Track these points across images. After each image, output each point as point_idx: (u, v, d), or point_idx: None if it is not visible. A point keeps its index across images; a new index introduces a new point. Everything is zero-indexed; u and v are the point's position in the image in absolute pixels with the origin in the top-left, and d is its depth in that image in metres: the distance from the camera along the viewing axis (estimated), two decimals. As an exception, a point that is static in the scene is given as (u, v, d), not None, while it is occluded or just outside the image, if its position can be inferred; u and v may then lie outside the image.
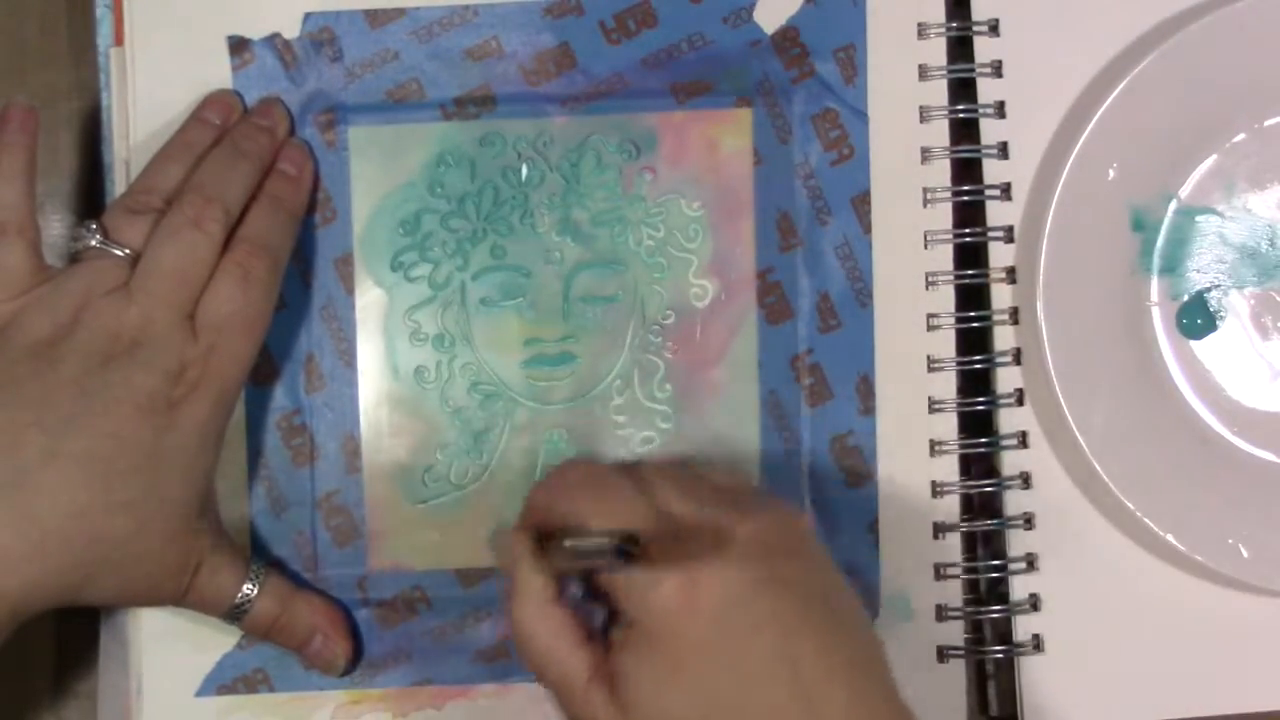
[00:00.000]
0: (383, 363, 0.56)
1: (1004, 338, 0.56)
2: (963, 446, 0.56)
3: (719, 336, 0.56)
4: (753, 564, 0.44)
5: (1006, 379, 0.56)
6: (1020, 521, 0.56)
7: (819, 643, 0.44)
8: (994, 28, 0.56)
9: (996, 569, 0.56)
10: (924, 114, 0.56)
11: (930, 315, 0.56)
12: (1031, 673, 0.56)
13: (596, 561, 0.45)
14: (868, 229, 0.56)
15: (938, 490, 0.56)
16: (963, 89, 0.56)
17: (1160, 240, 0.56)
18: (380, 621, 0.56)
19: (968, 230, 0.56)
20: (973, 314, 0.56)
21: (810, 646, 0.44)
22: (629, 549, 0.43)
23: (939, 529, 0.56)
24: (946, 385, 0.56)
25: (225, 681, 0.55)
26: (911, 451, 0.56)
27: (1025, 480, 0.56)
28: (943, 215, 0.56)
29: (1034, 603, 0.56)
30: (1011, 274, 0.56)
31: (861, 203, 0.56)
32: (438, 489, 0.56)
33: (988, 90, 0.56)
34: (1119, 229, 0.56)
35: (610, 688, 0.44)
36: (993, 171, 0.56)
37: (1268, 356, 0.57)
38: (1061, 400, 0.54)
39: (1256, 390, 0.57)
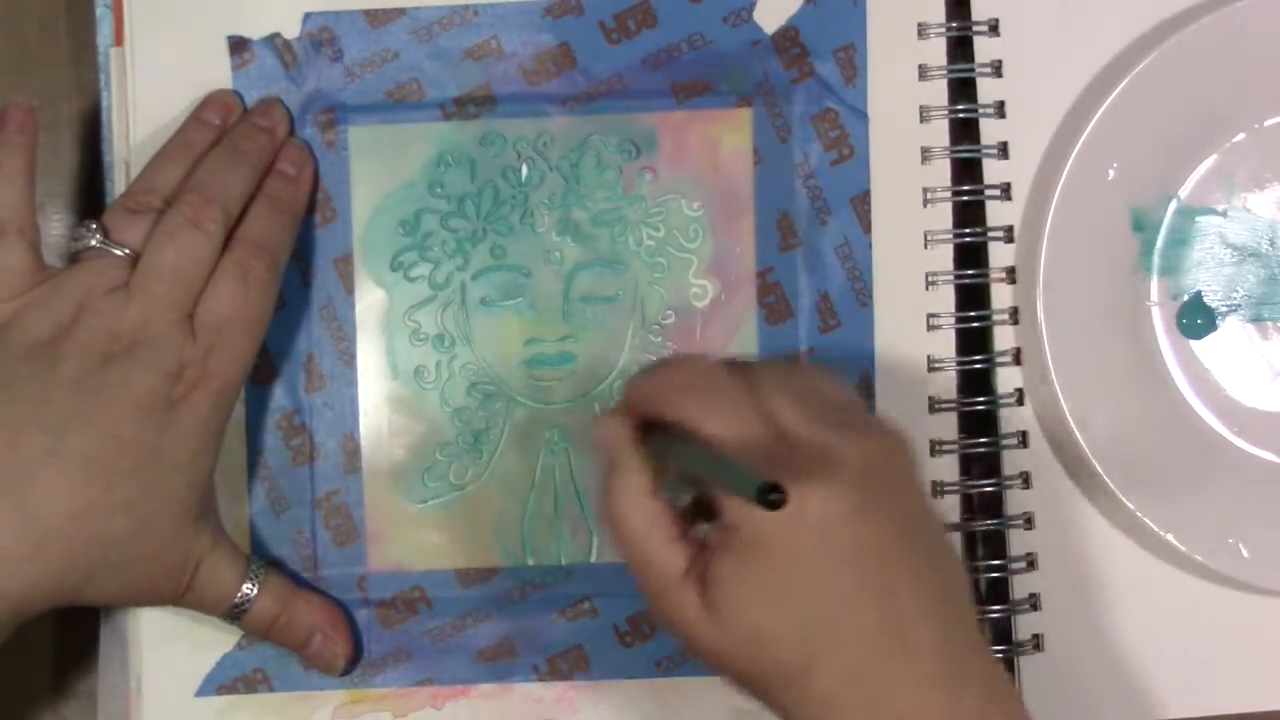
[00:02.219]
0: (383, 363, 0.56)
1: (1004, 338, 0.56)
2: (963, 446, 0.56)
3: (719, 336, 0.56)
4: (860, 488, 0.43)
5: (1006, 379, 0.56)
6: (1020, 521, 0.56)
7: (914, 576, 0.44)
8: (994, 28, 0.56)
9: (996, 569, 0.56)
10: (924, 114, 0.56)
11: (930, 315, 0.56)
12: (1031, 673, 0.56)
13: (708, 477, 0.43)
14: (868, 229, 0.56)
15: (938, 490, 0.56)
16: (963, 89, 0.56)
17: (1160, 240, 0.56)
18: (380, 621, 0.56)
19: (968, 230, 0.56)
20: (973, 314, 0.56)
21: (906, 579, 0.43)
22: (769, 497, 0.40)
23: (939, 529, 0.56)
24: (946, 385, 0.56)
25: (225, 681, 0.56)
26: (911, 451, 0.56)
27: (1025, 480, 0.56)
28: (943, 215, 0.56)
29: (1034, 603, 0.56)
30: (1011, 274, 0.56)
31: (861, 203, 0.56)
32: (437, 489, 0.56)
33: (988, 90, 0.56)
34: (1119, 229, 0.56)
35: (702, 589, 0.44)
36: (993, 171, 0.56)
37: (1268, 356, 0.57)
38: (1061, 400, 0.54)
39: (1256, 390, 0.57)
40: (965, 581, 0.46)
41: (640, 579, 0.45)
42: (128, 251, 0.51)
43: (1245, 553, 0.55)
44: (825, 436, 0.44)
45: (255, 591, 0.53)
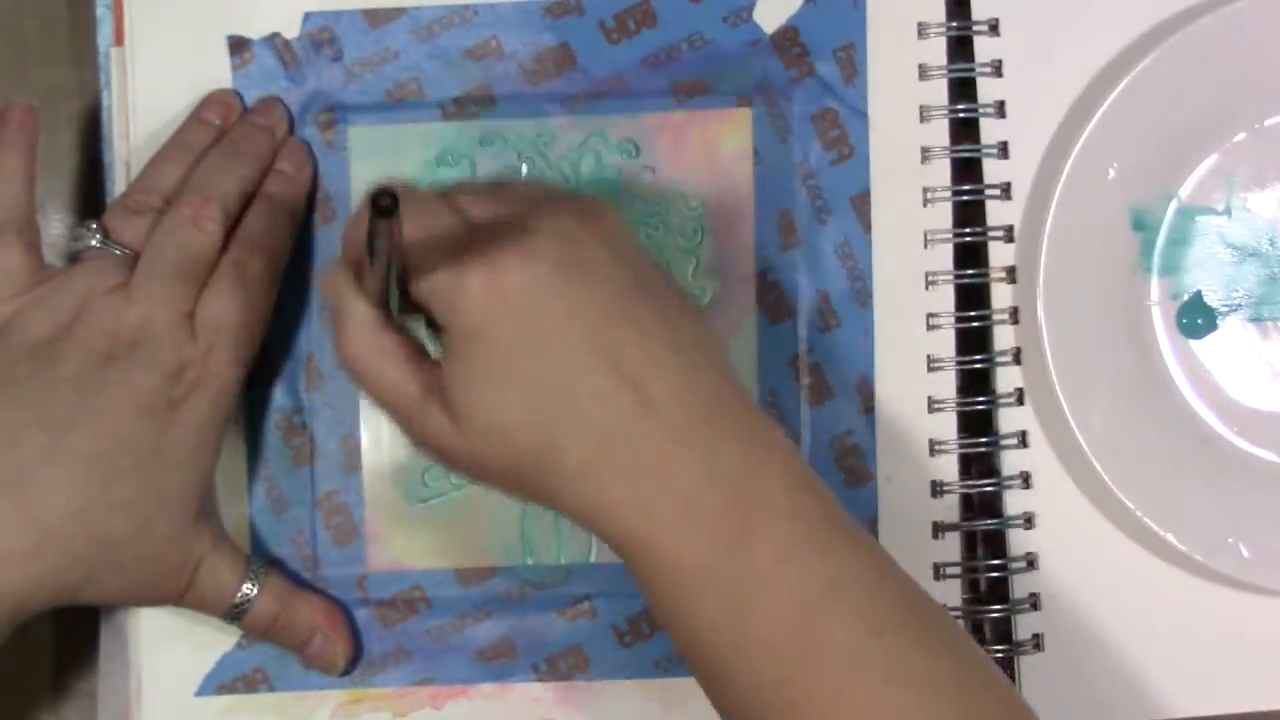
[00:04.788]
0: (383, 362, 0.56)
1: (1004, 337, 0.56)
2: (962, 446, 0.56)
3: (719, 335, 0.56)
4: (556, 251, 0.43)
5: (1006, 379, 0.56)
6: (1020, 521, 0.56)
7: (639, 331, 0.43)
8: (994, 27, 0.56)
9: (996, 569, 0.56)
10: (924, 114, 0.56)
11: (930, 315, 0.56)
12: (1031, 673, 0.56)
13: (393, 253, 0.43)
14: (868, 229, 0.56)
15: (938, 490, 0.56)
16: (963, 89, 0.56)
17: (1160, 240, 0.56)
18: (380, 621, 0.56)
19: (968, 230, 0.56)
20: (973, 314, 0.56)
21: (631, 335, 0.43)
22: (385, 203, 0.40)
23: (939, 529, 0.56)
24: (946, 385, 0.56)
25: (225, 681, 0.56)
26: (911, 451, 0.56)
27: (1025, 480, 0.56)
28: (943, 215, 0.56)
29: (1034, 602, 0.56)
30: (1011, 274, 0.56)
31: (861, 202, 0.56)
32: (438, 488, 0.56)
33: (988, 90, 0.56)
34: (1119, 229, 0.56)
35: (442, 400, 0.44)
36: (993, 171, 0.56)
37: (1268, 356, 0.57)
38: (1061, 400, 0.54)
39: (1256, 390, 0.57)
40: (702, 331, 0.46)
41: (388, 411, 0.46)
42: (128, 251, 0.51)
43: (1245, 553, 0.55)
44: (515, 213, 0.44)
45: (255, 591, 0.53)
